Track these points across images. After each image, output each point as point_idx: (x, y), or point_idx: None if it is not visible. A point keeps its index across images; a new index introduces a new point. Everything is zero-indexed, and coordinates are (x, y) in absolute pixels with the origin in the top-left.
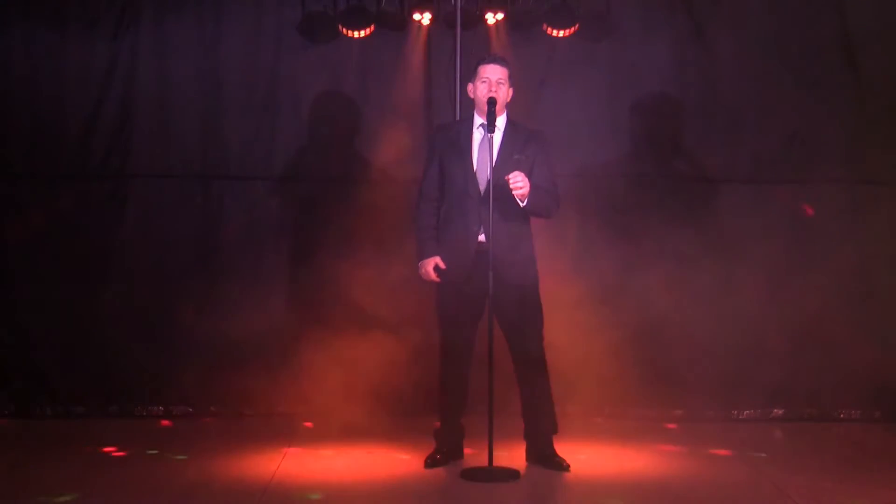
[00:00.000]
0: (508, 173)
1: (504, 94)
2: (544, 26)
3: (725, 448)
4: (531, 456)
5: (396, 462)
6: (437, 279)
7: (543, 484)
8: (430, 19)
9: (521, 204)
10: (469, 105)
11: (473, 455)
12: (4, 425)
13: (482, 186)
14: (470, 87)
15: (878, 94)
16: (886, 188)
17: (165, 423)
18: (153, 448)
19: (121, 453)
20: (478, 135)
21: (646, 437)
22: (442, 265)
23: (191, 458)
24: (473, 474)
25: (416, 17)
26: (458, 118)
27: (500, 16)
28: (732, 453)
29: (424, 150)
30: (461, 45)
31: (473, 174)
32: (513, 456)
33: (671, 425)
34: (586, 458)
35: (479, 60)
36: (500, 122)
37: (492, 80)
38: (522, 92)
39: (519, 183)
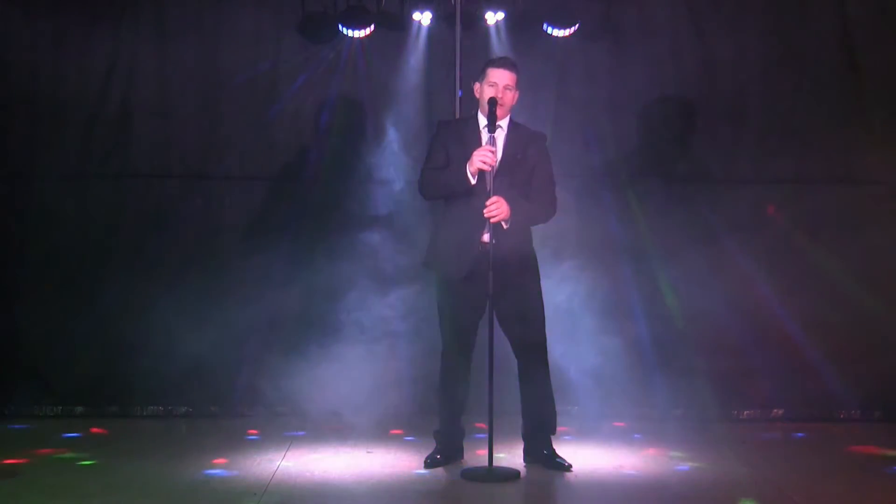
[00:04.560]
0: (511, 174)
1: (510, 98)
2: (544, 26)
3: (725, 448)
4: (531, 456)
5: (396, 462)
6: (493, 155)
7: (543, 484)
8: (430, 19)
9: (503, 226)
10: (469, 104)
11: (473, 455)
12: (5, 425)
13: (487, 186)
14: (476, 86)
15: (878, 94)
16: (886, 188)
17: (165, 423)
18: (153, 448)
19: (120, 453)
20: (484, 135)
21: (646, 438)
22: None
23: (191, 459)
24: (473, 474)
25: (416, 16)
26: (457, 117)
27: (500, 16)
28: (732, 453)
29: (427, 144)
30: (461, 45)
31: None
32: (513, 456)
33: (671, 425)
34: (586, 458)
35: (489, 62)
36: (504, 123)
37: (499, 85)
38: (522, 92)
39: (493, 211)
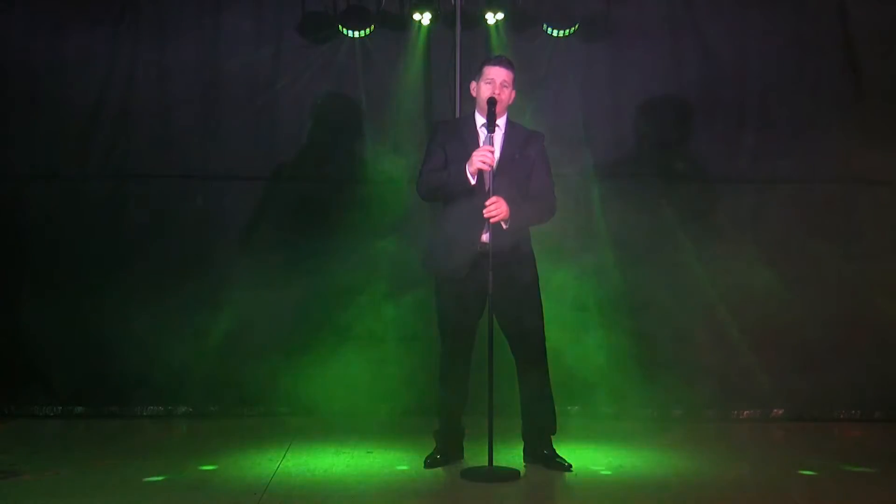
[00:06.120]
0: (510, 173)
1: (507, 96)
2: (544, 26)
3: (725, 448)
4: (530, 456)
5: (396, 462)
6: (492, 155)
7: (543, 484)
8: (430, 19)
9: (503, 227)
10: (469, 103)
11: (473, 455)
12: (4, 425)
13: (486, 186)
14: (473, 85)
15: (878, 95)
16: (886, 188)
17: (166, 423)
18: (153, 448)
19: (120, 453)
20: (482, 134)
21: (646, 437)
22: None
23: (191, 459)
24: (473, 474)
25: (416, 17)
26: (457, 117)
27: (500, 16)
28: (732, 453)
29: (426, 143)
30: (461, 45)
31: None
32: (513, 456)
33: (671, 425)
34: (586, 458)
35: (485, 61)
36: (501, 122)
37: (496, 82)
38: (522, 92)
39: (493, 211)
